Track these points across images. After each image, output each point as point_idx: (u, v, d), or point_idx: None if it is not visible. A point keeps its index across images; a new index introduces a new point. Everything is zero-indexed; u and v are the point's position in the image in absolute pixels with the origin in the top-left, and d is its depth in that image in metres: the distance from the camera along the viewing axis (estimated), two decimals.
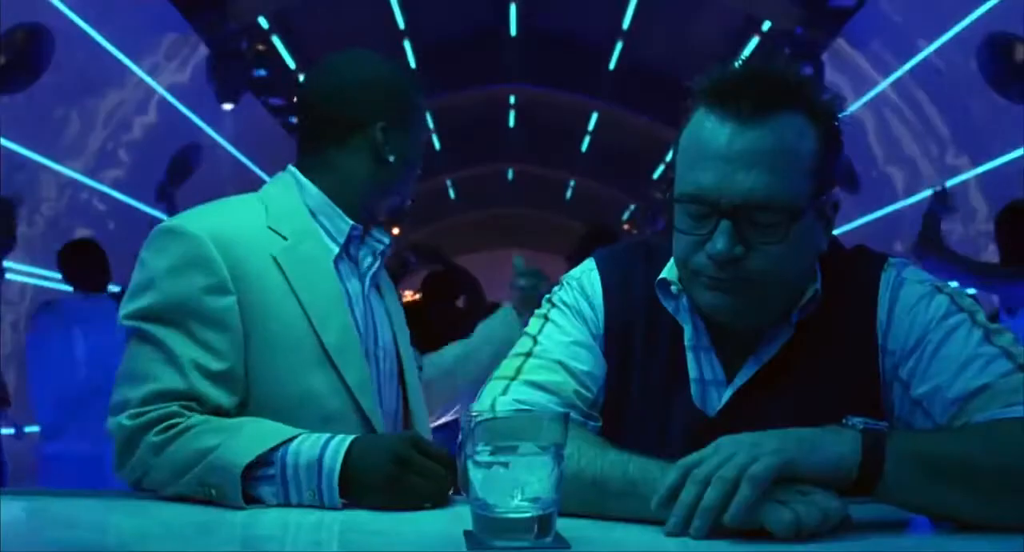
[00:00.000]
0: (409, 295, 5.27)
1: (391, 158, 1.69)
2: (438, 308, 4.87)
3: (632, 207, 16.60)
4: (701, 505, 1.06)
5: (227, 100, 7.50)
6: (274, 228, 1.58)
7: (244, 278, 1.50)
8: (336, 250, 1.64)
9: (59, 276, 4.98)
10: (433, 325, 4.42)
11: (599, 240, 4.41)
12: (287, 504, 1.34)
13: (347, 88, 1.69)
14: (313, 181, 1.67)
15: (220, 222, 1.55)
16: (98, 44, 6.28)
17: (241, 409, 1.49)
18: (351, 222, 1.66)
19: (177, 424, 1.41)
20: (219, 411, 1.45)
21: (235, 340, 1.48)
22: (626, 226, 16.38)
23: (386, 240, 1.73)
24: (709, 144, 1.22)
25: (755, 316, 1.28)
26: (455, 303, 5.04)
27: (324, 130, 1.69)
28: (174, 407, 1.42)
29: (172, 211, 6.58)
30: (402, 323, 1.79)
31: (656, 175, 13.35)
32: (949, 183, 6.91)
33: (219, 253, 1.49)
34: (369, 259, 1.71)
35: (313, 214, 1.64)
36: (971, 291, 3.78)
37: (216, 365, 1.46)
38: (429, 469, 1.33)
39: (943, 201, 4.15)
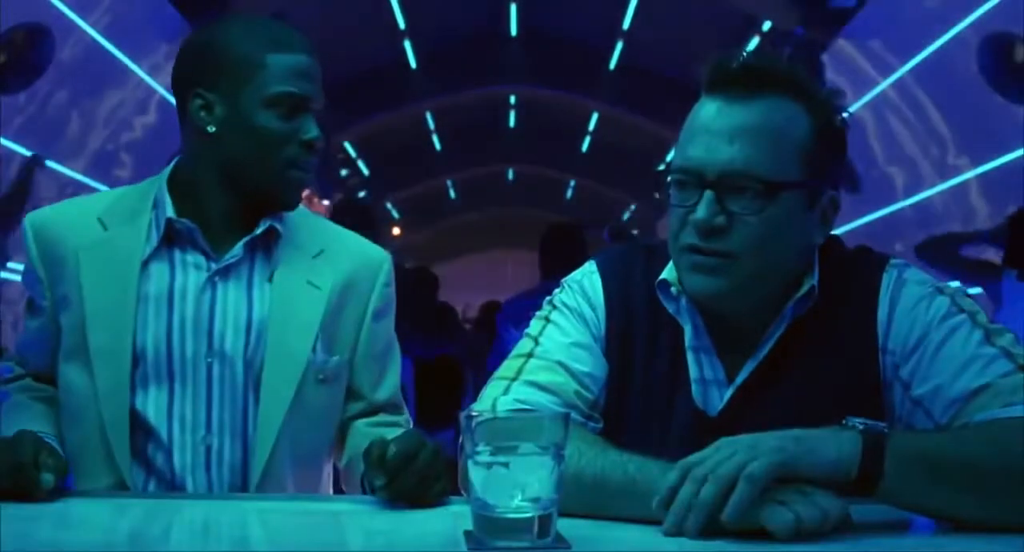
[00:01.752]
0: None
1: (211, 129, 1.52)
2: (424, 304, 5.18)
3: (632, 207, 16.61)
4: (697, 501, 1.06)
5: None
6: (102, 219, 1.57)
7: (52, 267, 1.56)
8: (155, 244, 1.54)
9: None
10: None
11: (565, 237, 4.45)
12: None
13: (176, 59, 1.58)
14: (174, 168, 1.61)
15: (53, 213, 1.62)
16: (98, 44, 6.28)
17: (50, 373, 1.60)
18: (169, 214, 1.54)
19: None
20: (42, 370, 1.61)
21: (43, 319, 1.59)
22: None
23: (258, 230, 1.55)
24: (699, 122, 1.28)
25: (738, 297, 1.28)
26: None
27: (177, 110, 1.59)
28: (14, 365, 1.64)
29: None
30: (293, 327, 1.55)
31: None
32: (949, 183, 6.92)
33: (35, 243, 1.58)
34: (235, 252, 1.55)
35: (155, 205, 1.56)
36: (975, 291, 3.85)
37: (31, 334, 1.62)
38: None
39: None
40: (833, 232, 1.35)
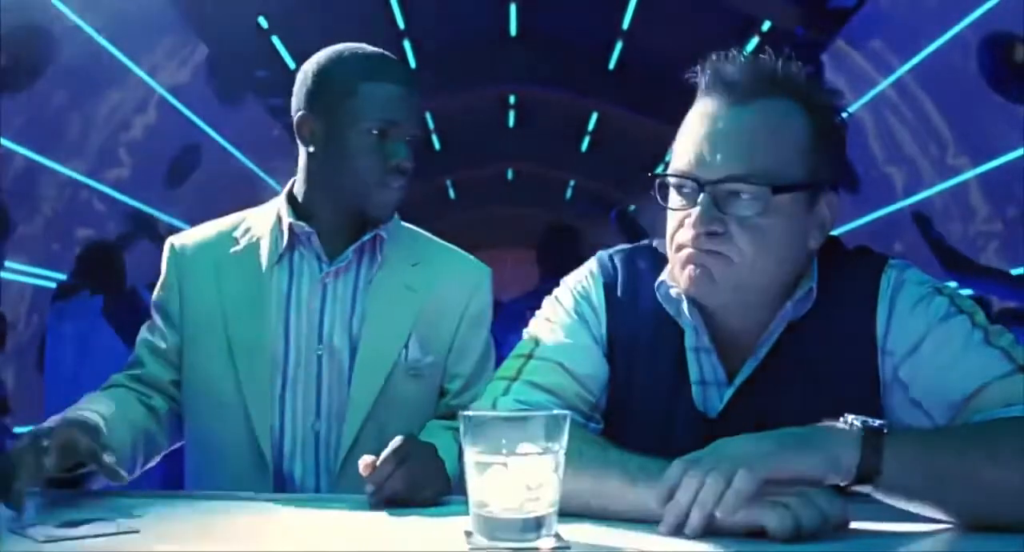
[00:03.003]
0: None
1: (311, 149, 1.70)
2: None
3: (632, 207, 16.57)
4: (698, 501, 1.06)
5: (227, 100, 7.51)
6: (236, 236, 1.76)
7: (188, 279, 1.75)
8: (280, 250, 1.72)
9: (59, 276, 5.02)
10: None
11: (560, 236, 4.48)
12: None
13: (295, 84, 1.76)
14: (291, 183, 1.78)
15: (191, 234, 1.82)
16: (98, 44, 6.28)
17: (179, 384, 1.75)
18: (291, 221, 1.72)
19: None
20: (159, 380, 1.74)
21: (173, 326, 1.75)
22: None
23: (366, 237, 1.72)
24: (697, 125, 1.27)
25: (736, 298, 1.28)
26: None
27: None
28: (119, 376, 1.74)
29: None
30: (386, 325, 1.71)
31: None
32: (949, 183, 6.92)
33: (173, 258, 1.78)
34: (345, 255, 1.72)
35: (279, 218, 1.74)
36: (1011, 303, 3.81)
37: (159, 344, 1.76)
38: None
39: (923, 223, 4.28)
40: (833, 232, 1.35)
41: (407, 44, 10.41)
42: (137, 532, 1.12)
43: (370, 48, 1.74)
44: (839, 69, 7.48)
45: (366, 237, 1.72)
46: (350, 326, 1.70)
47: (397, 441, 1.37)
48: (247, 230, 1.77)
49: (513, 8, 10.34)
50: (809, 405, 1.23)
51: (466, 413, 1.06)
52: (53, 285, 5.54)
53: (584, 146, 14.74)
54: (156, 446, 1.71)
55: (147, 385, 1.74)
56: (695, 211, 1.24)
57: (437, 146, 14.53)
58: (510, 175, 17.01)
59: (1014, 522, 1.09)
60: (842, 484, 1.10)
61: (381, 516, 1.28)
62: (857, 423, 1.12)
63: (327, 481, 1.69)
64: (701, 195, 1.24)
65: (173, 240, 1.80)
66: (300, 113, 1.71)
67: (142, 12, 6.40)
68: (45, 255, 6.16)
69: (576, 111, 13.20)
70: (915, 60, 6.75)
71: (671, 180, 1.28)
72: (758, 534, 1.05)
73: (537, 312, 1.43)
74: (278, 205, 1.76)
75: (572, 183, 16.99)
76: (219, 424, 1.70)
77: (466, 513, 1.06)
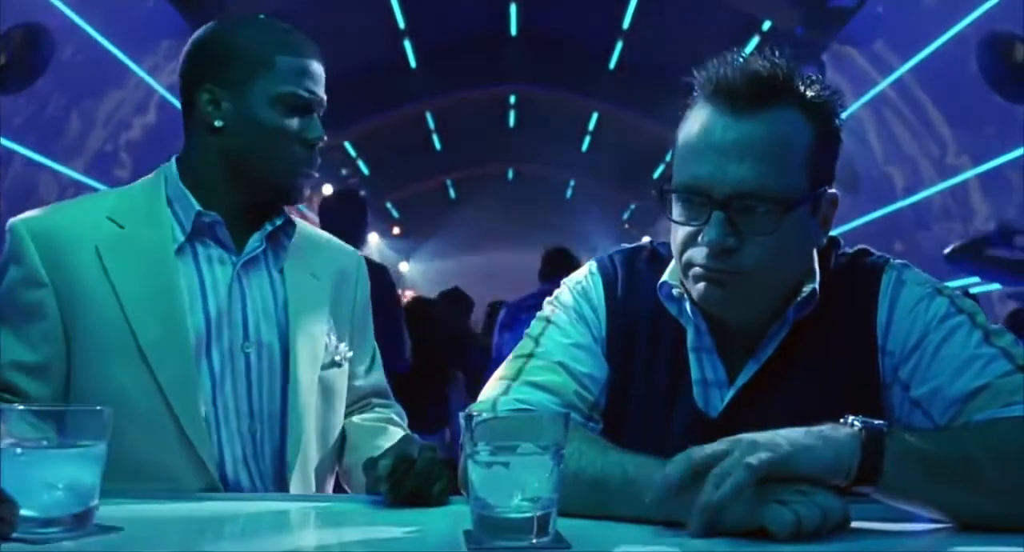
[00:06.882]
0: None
1: (217, 124, 1.55)
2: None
3: (632, 207, 16.61)
4: (699, 505, 1.05)
5: None
6: (113, 218, 1.54)
7: (61, 269, 1.49)
8: (182, 239, 1.55)
9: None
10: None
11: (561, 262, 4.63)
12: None
13: (185, 55, 1.61)
14: (178, 165, 1.61)
15: (49, 216, 1.55)
16: (98, 44, 6.29)
17: (61, 400, 1.49)
18: (197, 208, 1.55)
19: None
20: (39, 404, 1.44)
21: (49, 331, 1.49)
22: (627, 226, 16.40)
23: (278, 221, 1.60)
24: (704, 137, 1.24)
25: (747, 309, 1.28)
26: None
27: (182, 105, 1.61)
28: None
29: None
30: (310, 314, 1.61)
31: (656, 175, 13.38)
32: (949, 183, 6.92)
33: (35, 246, 1.50)
34: (256, 244, 1.58)
35: (170, 202, 1.57)
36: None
37: (30, 357, 1.49)
38: None
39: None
40: (833, 232, 1.35)
41: (407, 44, 10.42)
42: (121, 529, 1.11)
43: (272, 19, 1.63)
44: (839, 69, 7.48)
45: (278, 222, 1.60)
46: (276, 319, 1.58)
47: (401, 441, 1.37)
48: (128, 213, 1.55)
49: (513, 8, 10.36)
50: (810, 406, 1.23)
51: (467, 413, 1.06)
52: None
53: (584, 146, 14.75)
54: None
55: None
56: (708, 229, 1.22)
57: (437, 146, 14.54)
58: (510, 175, 17.03)
59: (1013, 522, 1.09)
60: (843, 484, 1.10)
61: (381, 516, 1.28)
62: (858, 423, 1.12)
63: (272, 488, 1.56)
64: (713, 212, 1.22)
65: (24, 224, 1.52)
66: (203, 85, 1.56)
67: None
68: None
69: (576, 111, 13.22)
70: (915, 60, 6.75)
71: (680, 195, 1.26)
72: (758, 534, 1.05)
73: (537, 313, 1.43)
74: (164, 188, 1.58)
75: (572, 183, 17.00)
76: (141, 438, 1.46)
77: (466, 513, 1.07)
